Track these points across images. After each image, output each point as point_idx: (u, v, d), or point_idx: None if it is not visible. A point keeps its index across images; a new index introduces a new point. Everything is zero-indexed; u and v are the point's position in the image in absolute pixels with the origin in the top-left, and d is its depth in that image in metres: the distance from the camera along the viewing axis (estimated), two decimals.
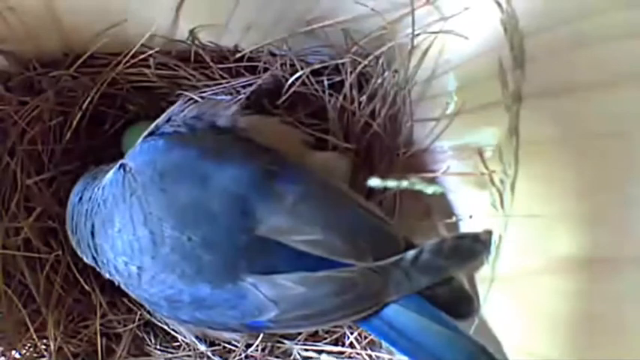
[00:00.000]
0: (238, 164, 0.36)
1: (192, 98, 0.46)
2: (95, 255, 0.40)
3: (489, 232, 0.35)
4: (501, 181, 0.34)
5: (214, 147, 0.38)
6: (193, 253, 0.35)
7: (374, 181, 0.34)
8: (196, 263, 0.35)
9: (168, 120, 0.40)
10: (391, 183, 0.34)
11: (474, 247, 0.35)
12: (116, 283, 0.40)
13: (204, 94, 0.49)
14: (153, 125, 0.40)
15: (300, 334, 0.46)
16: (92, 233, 0.39)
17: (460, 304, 0.35)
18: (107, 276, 0.41)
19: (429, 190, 0.35)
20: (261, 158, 0.37)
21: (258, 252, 0.35)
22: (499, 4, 0.34)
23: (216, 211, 0.35)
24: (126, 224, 0.36)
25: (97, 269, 0.42)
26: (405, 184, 0.34)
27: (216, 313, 0.36)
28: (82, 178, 0.44)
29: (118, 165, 0.39)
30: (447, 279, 0.35)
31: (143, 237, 0.36)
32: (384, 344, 0.42)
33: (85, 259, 0.42)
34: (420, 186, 0.34)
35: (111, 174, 0.39)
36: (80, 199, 0.41)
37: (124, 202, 0.37)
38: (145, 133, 0.40)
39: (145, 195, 0.36)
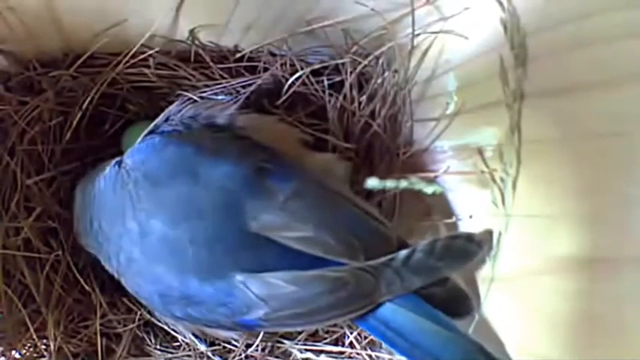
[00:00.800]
0: (231, 161, 0.36)
1: (190, 98, 0.46)
2: (95, 245, 0.41)
3: (489, 232, 0.35)
4: (502, 180, 0.34)
5: (210, 144, 0.38)
6: (182, 248, 0.35)
7: (371, 182, 0.34)
8: (184, 258, 0.35)
9: (167, 119, 0.40)
10: (390, 183, 0.34)
11: (468, 248, 0.34)
12: (113, 275, 0.41)
13: (204, 94, 0.49)
14: (152, 125, 0.41)
15: (300, 333, 0.46)
16: (91, 225, 0.40)
17: (457, 303, 0.35)
18: (106, 267, 0.41)
19: (429, 189, 0.34)
20: (255, 155, 0.37)
21: (249, 249, 0.35)
22: (500, 3, 0.34)
23: (207, 206, 0.35)
24: (116, 217, 0.37)
25: (99, 260, 0.42)
26: (404, 183, 0.34)
27: (207, 310, 0.36)
28: (86, 173, 0.45)
29: (114, 161, 0.40)
30: (442, 279, 0.34)
31: (132, 230, 0.36)
32: (384, 344, 0.42)
33: (87, 249, 0.43)
34: (419, 185, 0.34)
35: (107, 169, 0.40)
36: (82, 192, 0.42)
37: (114, 194, 0.37)
38: (145, 132, 0.41)
39: (136, 189, 0.36)
